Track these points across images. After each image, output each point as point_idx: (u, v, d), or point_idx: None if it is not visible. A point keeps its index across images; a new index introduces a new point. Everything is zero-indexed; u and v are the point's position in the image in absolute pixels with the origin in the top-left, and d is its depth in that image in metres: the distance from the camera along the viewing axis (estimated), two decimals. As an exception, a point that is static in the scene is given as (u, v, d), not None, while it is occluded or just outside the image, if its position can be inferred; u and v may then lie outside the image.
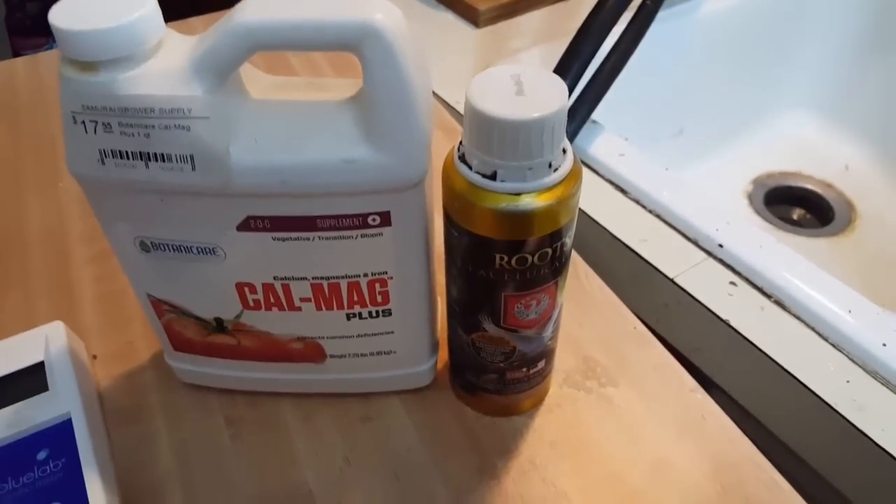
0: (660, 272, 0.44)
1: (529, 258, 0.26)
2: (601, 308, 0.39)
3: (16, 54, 1.23)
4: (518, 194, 0.25)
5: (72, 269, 0.42)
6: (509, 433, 0.34)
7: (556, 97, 0.24)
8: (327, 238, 0.27)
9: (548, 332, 0.30)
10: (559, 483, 0.32)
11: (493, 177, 0.25)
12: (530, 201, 0.25)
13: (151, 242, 0.28)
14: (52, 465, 0.30)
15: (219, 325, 0.31)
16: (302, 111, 0.26)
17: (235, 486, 0.32)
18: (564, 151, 0.26)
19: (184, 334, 0.32)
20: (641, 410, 0.35)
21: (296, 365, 0.33)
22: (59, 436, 0.31)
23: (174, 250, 0.28)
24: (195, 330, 0.32)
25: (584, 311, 0.39)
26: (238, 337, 0.32)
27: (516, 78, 0.25)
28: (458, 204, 0.26)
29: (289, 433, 0.34)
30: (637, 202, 0.49)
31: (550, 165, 0.25)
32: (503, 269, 0.27)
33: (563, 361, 0.36)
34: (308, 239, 0.27)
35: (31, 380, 0.33)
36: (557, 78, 0.25)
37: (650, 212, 0.48)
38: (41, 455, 0.30)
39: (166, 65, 0.24)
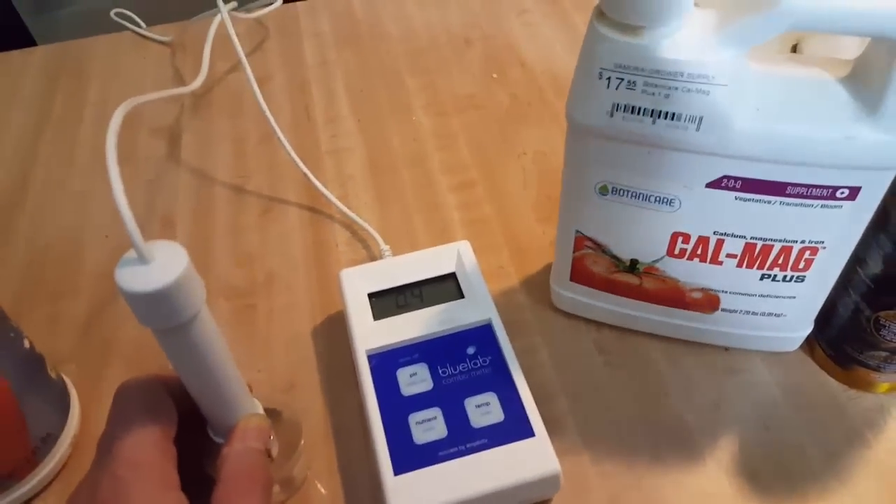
0: None
1: None
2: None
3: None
4: None
5: (437, 195, 0.48)
6: (875, 408, 0.36)
7: None
8: (789, 204, 0.30)
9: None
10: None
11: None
12: None
13: (614, 188, 0.32)
14: (481, 360, 0.35)
15: (631, 266, 0.35)
16: (800, 84, 0.28)
17: (614, 405, 0.37)
18: None
19: (589, 269, 0.36)
20: None
21: (683, 312, 0.36)
22: (482, 337, 0.36)
23: (633, 197, 0.32)
24: (604, 266, 0.36)
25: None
26: (643, 279, 0.35)
27: None
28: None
29: (658, 371, 0.38)
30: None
31: None
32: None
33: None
34: (769, 203, 0.30)
35: (446, 287, 0.39)
36: None
37: None
38: (470, 350, 0.36)
39: (694, 33, 0.27)
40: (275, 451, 0.32)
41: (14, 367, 0.32)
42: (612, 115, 0.29)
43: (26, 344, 0.34)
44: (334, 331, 0.41)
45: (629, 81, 0.28)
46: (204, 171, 0.51)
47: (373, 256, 0.45)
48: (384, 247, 0.44)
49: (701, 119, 0.28)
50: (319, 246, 0.46)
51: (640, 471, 0.34)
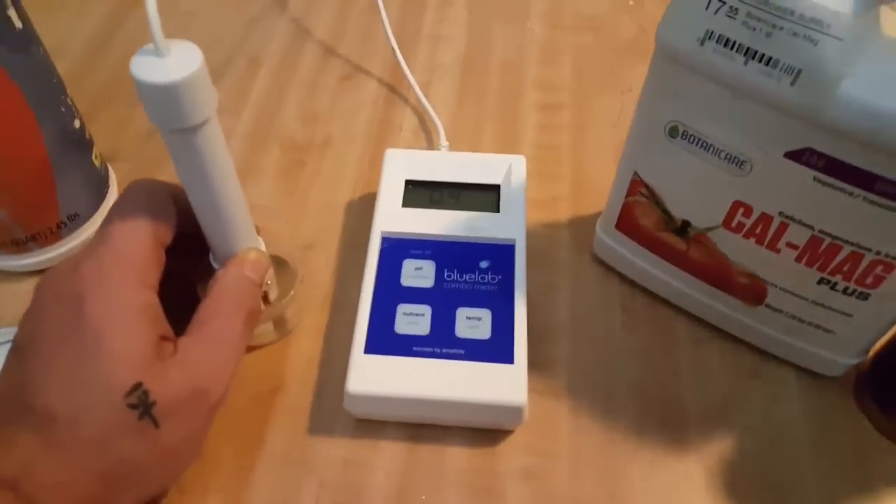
0: None
1: None
2: None
3: None
4: None
5: (519, 109, 0.45)
6: (904, 467, 0.31)
7: None
8: (874, 202, 0.25)
9: None
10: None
11: None
12: None
13: (685, 132, 0.28)
14: (490, 276, 0.33)
15: (682, 228, 0.31)
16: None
17: (616, 367, 0.34)
18: None
19: (638, 219, 0.33)
20: None
21: (724, 295, 0.33)
22: (501, 256, 0.34)
23: (702, 147, 0.28)
24: (654, 221, 0.32)
25: None
26: (691, 245, 0.32)
27: None
28: None
29: (677, 347, 0.35)
30: None
31: None
32: None
33: None
34: (851, 194, 0.25)
35: (485, 196, 0.37)
36: None
37: None
38: (483, 264, 0.34)
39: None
40: (272, 295, 0.32)
41: (56, 140, 0.33)
42: (702, 42, 0.25)
43: (76, 124, 0.35)
44: (367, 209, 0.40)
45: (731, 7, 0.24)
46: (302, 23, 0.51)
47: (431, 148, 0.43)
48: (444, 142, 0.42)
49: (799, 72, 0.24)
50: (384, 124, 0.45)
51: (615, 436, 0.32)
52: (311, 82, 0.47)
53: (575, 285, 0.37)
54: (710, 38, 0.25)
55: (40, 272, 0.37)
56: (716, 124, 0.27)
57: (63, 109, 0.34)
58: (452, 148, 0.42)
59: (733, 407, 0.33)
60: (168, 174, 0.27)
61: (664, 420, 0.32)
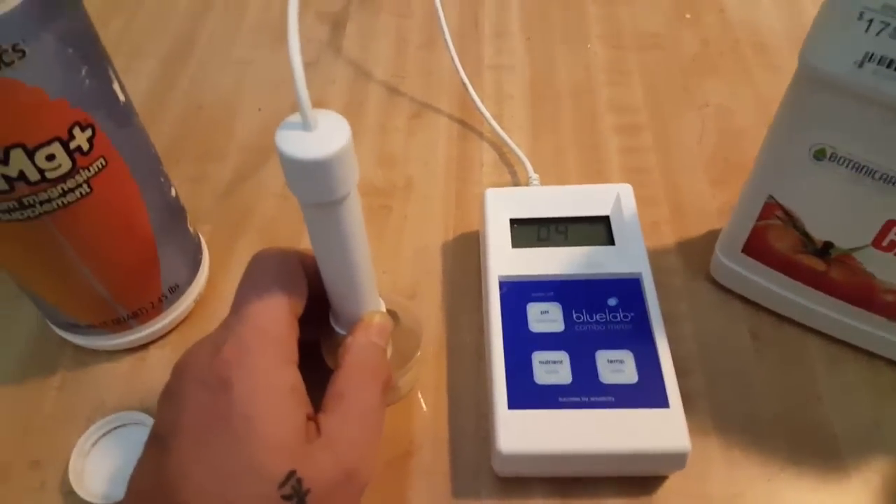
0: None
1: None
2: None
3: None
4: None
5: (598, 134, 0.45)
6: None
7: None
8: None
9: None
10: None
11: None
12: None
13: (833, 154, 0.27)
14: (621, 315, 0.32)
15: (823, 250, 0.31)
16: None
17: (757, 397, 0.33)
18: None
19: (770, 243, 0.32)
20: None
21: (864, 313, 0.32)
22: (628, 291, 0.33)
23: (853, 169, 0.27)
24: (789, 244, 0.31)
25: None
26: (832, 267, 0.31)
27: None
28: None
29: (814, 371, 0.34)
30: None
31: None
32: None
33: None
34: None
35: (595, 229, 0.35)
36: None
37: None
38: (611, 302, 0.33)
39: None
40: (388, 353, 0.31)
41: (158, 212, 0.32)
42: (861, 65, 0.24)
43: (173, 193, 0.34)
44: (465, 250, 0.39)
45: (893, 27, 0.23)
46: (361, 65, 0.50)
47: (517, 182, 0.42)
48: (533, 175, 0.41)
49: (973, 88, 0.23)
50: (464, 161, 0.44)
51: (772, 469, 0.31)
52: (381, 125, 0.46)
53: (697, 313, 0.36)
54: (870, 59, 0.24)
55: (141, 348, 0.36)
56: (871, 145, 0.26)
57: (162, 179, 0.33)
58: (541, 181, 0.41)
59: (885, 428, 0.32)
60: (252, 234, 0.26)
61: (817, 447, 0.31)
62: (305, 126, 0.22)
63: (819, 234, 0.30)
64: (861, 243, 0.29)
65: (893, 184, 0.27)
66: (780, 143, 0.29)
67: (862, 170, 0.27)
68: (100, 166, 0.28)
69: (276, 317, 0.25)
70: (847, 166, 0.27)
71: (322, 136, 0.22)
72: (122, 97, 0.30)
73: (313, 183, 0.23)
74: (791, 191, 0.30)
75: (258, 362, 0.24)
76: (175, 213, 0.34)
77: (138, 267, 0.32)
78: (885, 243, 0.29)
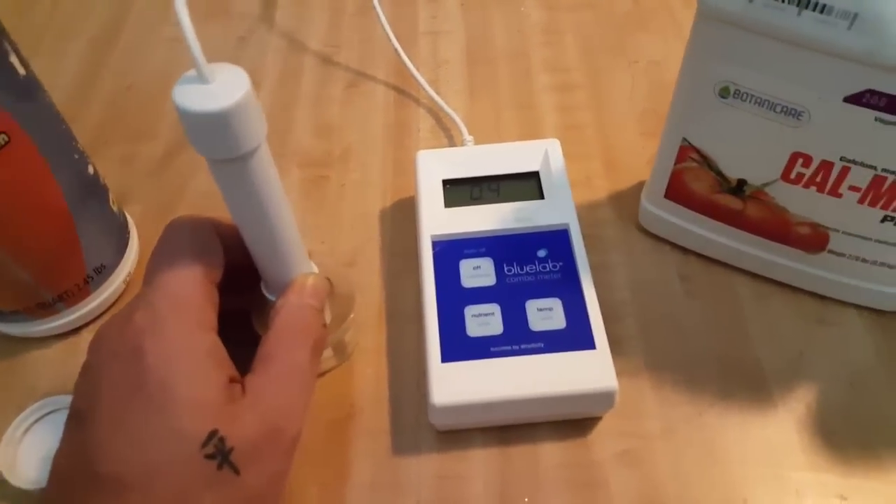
0: None
1: None
2: None
3: None
4: None
5: (534, 94, 0.45)
6: None
7: None
8: (941, 135, 0.25)
9: None
10: None
11: None
12: None
13: (737, 90, 0.28)
14: (551, 265, 0.33)
15: (737, 187, 0.31)
16: None
17: (687, 336, 0.34)
18: None
19: (689, 186, 0.33)
20: None
21: (783, 248, 0.33)
22: (557, 242, 0.34)
23: (756, 104, 0.28)
24: (707, 185, 0.32)
25: None
26: (748, 204, 0.32)
27: None
28: None
29: (741, 307, 0.35)
30: None
31: None
32: None
33: None
34: (917, 130, 0.26)
35: (526, 185, 0.36)
36: None
37: None
38: (541, 253, 0.33)
39: None
40: (327, 319, 0.31)
41: (73, 190, 0.32)
42: (751, 0, 0.25)
43: (90, 170, 0.34)
44: (402, 215, 0.39)
45: (780, -40, 0.24)
46: (295, 36, 0.50)
47: (454, 146, 0.43)
48: (467, 136, 0.41)
49: (855, 16, 0.24)
50: (401, 127, 0.44)
51: (703, 405, 0.32)
52: (317, 95, 0.46)
53: (628, 261, 0.37)
54: (760, -7, 0.25)
55: (72, 332, 0.35)
56: (770, 79, 0.27)
57: (76, 156, 0.33)
58: (476, 142, 0.41)
59: (807, 356, 0.33)
60: (183, 211, 0.25)
61: (746, 381, 0.32)
62: (202, 79, 0.22)
63: (732, 173, 0.31)
64: (771, 178, 0.30)
65: (795, 116, 0.27)
66: (688, 85, 0.30)
67: (764, 104, 0.28)
68: (1, 143, 0.27)
69: (189, 283, 0.25)
70: (750, 101, 0.28)
71: (220, 88, 0.22)
72: (21, 70, 0.29)
73: (214, 137, 0.22)
74: (702, 131, 0.31)
75: (171, 328, 0.24)
76: (94, 191, 0.34)
77: (57, 247, 0.32)
78: (792, 176, 0.29)
